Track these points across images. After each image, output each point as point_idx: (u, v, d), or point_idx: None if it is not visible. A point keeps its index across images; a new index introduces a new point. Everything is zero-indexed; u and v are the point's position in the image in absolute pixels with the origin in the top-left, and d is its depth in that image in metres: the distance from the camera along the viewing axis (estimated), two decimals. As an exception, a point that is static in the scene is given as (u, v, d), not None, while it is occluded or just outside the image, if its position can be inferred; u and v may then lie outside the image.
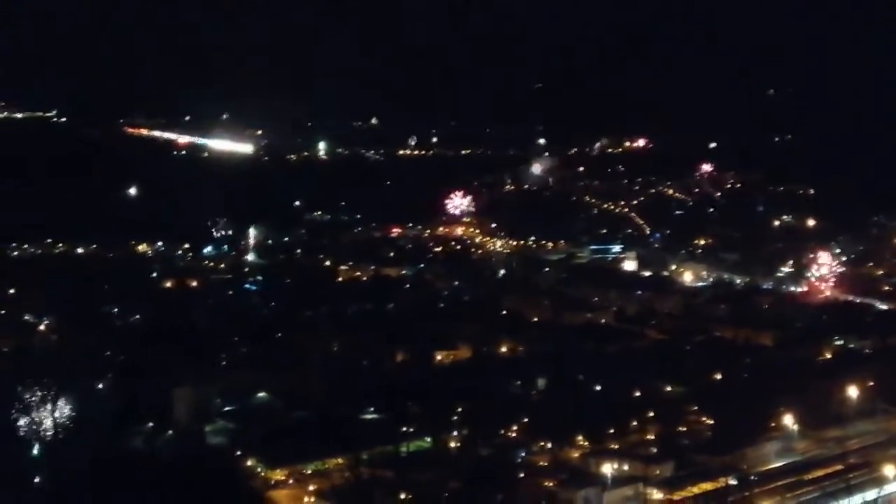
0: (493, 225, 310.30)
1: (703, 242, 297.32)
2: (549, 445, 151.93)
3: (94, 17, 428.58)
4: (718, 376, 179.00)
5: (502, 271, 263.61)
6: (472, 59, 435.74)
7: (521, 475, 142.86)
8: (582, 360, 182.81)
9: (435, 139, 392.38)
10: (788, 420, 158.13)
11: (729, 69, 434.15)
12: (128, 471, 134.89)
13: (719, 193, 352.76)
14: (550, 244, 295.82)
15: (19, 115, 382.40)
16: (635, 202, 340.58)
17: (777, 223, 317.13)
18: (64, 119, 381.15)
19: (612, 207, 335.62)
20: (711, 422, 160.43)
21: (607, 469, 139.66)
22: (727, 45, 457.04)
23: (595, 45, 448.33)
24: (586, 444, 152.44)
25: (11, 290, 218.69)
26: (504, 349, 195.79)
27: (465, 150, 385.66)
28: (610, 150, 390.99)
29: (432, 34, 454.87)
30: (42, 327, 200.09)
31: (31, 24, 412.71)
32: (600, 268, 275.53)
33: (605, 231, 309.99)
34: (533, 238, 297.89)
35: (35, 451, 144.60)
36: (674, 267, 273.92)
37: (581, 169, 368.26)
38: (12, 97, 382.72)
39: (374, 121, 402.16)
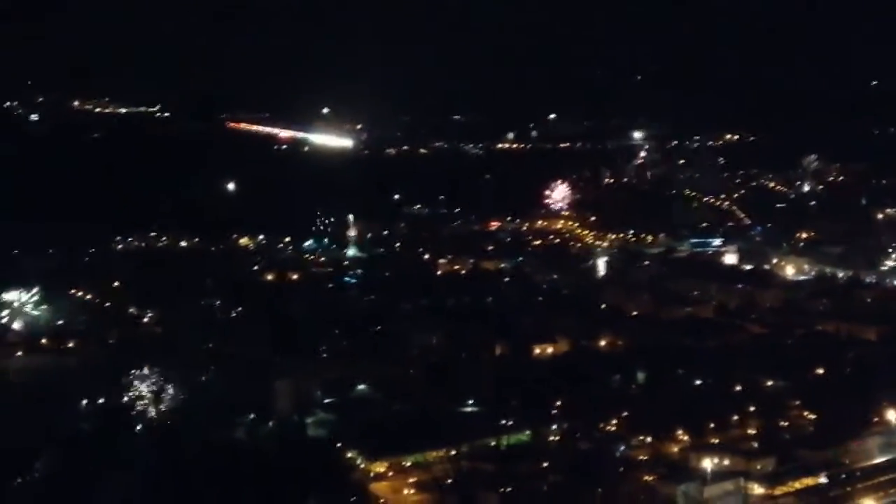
0: (592, 218, 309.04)
1: (805, 236, 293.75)
2: (649, 440, 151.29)
3: (198, 13, 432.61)
4: (821, 371, 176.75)
5: (601, 265, 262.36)
6: (572, 53, 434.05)
7: (621, 469, 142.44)
8: (682, 354, 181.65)
9: (534, 133, 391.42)
10: (892, 415, 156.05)
11: (832, 60, 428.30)
12: (230, 462, 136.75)
13: (822, 186, 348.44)
14: (650, 237, 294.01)
15: (123, 110, 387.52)
16: (736, 195, 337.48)
17: (881, 216, 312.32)
18: (168, 114, 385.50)
19: (713, 200, 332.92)
20: (813, 416, 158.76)
21: (708, 464, 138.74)
22: (830, 36, 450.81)
23: (695, 36, 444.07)
24: (686, 438, 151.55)
25: (116, 283, 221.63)
26: (603, 343, 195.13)
27: (564, 143, 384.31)
28: (711, 143, 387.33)
29: (531, 27, 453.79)
30: (146, 320, 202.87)
31: (135, 20, 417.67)
32: (701, 261, 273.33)
33: (705, 224, 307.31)
34: (632, 231, 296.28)
35: (141, 442, 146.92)
36: (775, 261, 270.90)
37: (681, 161, 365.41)
38: (117, 92, 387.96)
39: (470, 115, 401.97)
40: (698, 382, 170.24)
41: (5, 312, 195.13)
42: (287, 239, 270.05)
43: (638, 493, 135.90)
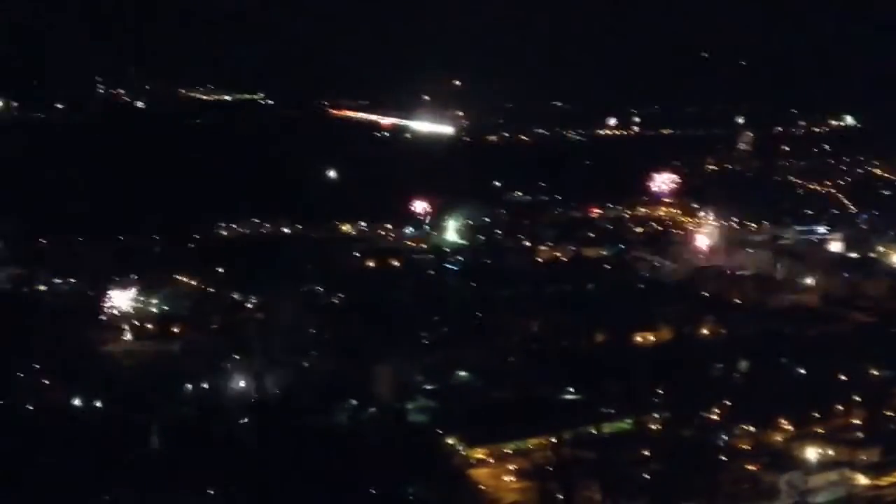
0: (695, 205, 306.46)
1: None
2: (752, 429, 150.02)
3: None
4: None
5: (704, 252, 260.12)
6: (674, 38, 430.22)
7: (723, 458, 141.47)
8: (786, 342, 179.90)
9: (636, 119, 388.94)
10: None
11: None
12: (331, 447, 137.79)
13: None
14: (754, 225, 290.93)
15: (228, 98, 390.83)
16: (841, 182, 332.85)
17: None
18: (270, 101, 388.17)
19: (818, 187, 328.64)
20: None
21: (812, 453, 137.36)
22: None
23: (800, 20, 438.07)
24: (790, 427, 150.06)
25: (220, 269, 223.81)
26: (705, 331, 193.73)
27: (666, 129, 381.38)
28: (816, 129, 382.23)
29: (632, 13, 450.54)
30: (249, 305, 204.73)
31: (238, 6, 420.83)
32: (805, 249, 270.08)
33: (810, 212, 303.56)
34: (735, 219, 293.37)
35: (243, 426, 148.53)
36: (881, 249, 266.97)
37: (785, 148, 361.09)
38: (221, 79, 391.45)
39: (572, 101, 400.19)
40: (802, 371, 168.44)
41: (112, 298, 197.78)
42: (388, 225, 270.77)
43: (740, 482, 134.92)
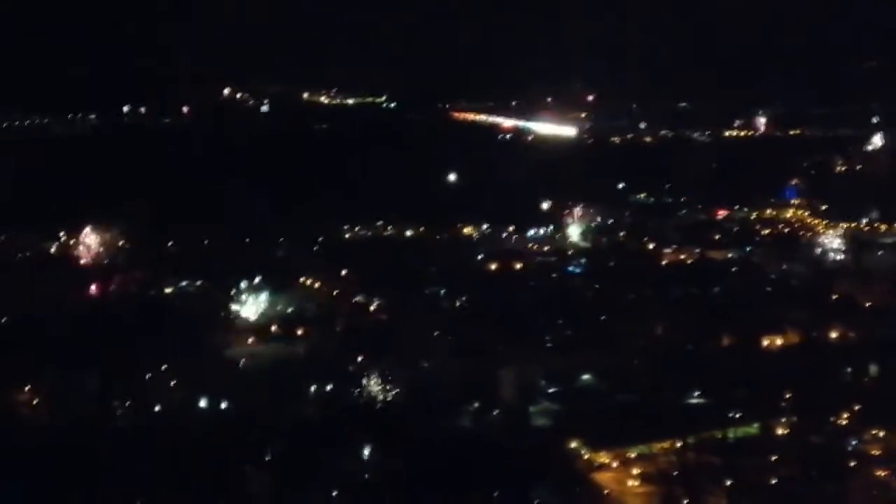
0: (824, 207, 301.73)
1: None
2: (882, 434, 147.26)
3: (423, 2, 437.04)
4: None
5: (833, 254, 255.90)
6: (800, 37, 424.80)
7: (853, 464, 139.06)
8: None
9: (762, 119, 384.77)
10: None
11: None
12: (455, 450, 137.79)
13: None
14: (884, 226, 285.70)
15: (350, 101, 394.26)
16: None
17: None
18: (393, 104, 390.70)
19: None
20: None
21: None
22: None
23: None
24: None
25: (344, 272, 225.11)
26: (834, 335, 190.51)
27: (794, 130, 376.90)
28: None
29: (757, 11, 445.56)
30: (373, 308, 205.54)
31: (362, 11, 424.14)
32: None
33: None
34: (866, 220, 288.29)
35: (367, 429, 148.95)
36: None
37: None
38: (345, 83, 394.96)
39: (697, 102, 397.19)
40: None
41: (237, 300, 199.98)
42: (511, 228, 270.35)
43: (871, 488, 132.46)
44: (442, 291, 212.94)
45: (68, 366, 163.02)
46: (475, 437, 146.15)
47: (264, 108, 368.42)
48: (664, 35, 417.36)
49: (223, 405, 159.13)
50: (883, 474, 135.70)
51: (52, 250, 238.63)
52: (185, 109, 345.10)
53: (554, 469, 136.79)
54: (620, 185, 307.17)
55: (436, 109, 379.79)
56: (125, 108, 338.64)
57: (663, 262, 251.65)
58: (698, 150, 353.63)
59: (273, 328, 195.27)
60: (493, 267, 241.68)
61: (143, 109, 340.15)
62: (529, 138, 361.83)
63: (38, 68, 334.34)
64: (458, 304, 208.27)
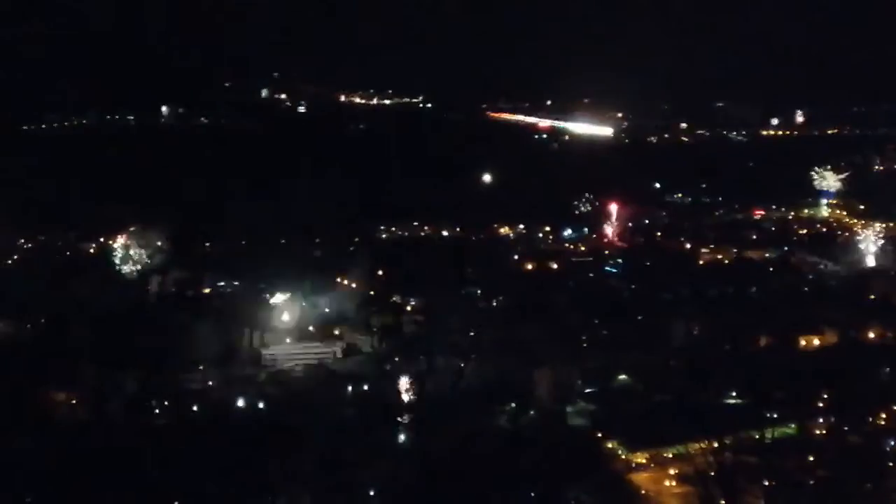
0: (861, 206, 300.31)
1: None
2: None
3: (459, 3, 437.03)
4: None
5: (870, 254, 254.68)
6: (837, 37, 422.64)
7: (891, 465, 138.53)
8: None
9: (799, 119, 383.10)
10: None
11: None
12: (491, 449, 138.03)
13: None
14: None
15: (388, 102, 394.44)
16: None
17: None
18: (430, 105, 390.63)
19: None
20: None
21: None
22: None
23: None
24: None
25: (381, 272, 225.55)
26: (872, 335, 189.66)
27: (831, 129, 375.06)
28: None
29: (797, 11, 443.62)
30: (409, 308, 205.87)
31: (398, 11, 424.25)
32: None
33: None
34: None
35: (404, 428, 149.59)
36: None
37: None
38: (382, 84, 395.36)
39: (733, 102, 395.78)
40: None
41: (276, 302, 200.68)
42: (547, 228, 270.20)
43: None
44: (478, 291, 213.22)
45: (107, 365, 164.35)
46: (512, 437, 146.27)
47: (301, 109, 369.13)
48: (699, 34, 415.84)
49: (260, 405, 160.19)
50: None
51: (91, 251, 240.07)
52: (222, 111, 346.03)
53: (591, 469, 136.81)
54: (657, 185, 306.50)
55: (472, 109, 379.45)
56: (164, 109, 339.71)
57: (700, 262, 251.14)
58: (735, 150, 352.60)
59: (310, 328, 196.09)
60: (529, 267, 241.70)
61: (180, 110, 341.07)
62: (566, 138, 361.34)
63: (79, 70, 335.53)
64: (494, 303, 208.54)
